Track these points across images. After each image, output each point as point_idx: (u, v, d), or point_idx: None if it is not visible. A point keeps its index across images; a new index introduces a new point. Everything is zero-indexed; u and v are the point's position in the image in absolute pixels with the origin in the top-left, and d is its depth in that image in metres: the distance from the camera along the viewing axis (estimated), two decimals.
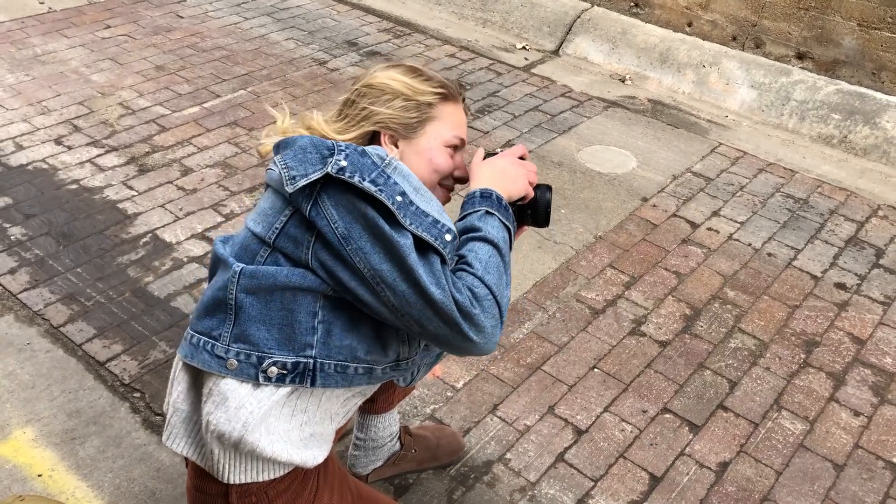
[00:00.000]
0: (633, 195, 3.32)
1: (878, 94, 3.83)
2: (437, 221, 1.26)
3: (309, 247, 1.26)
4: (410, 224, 1.23)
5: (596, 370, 2.44)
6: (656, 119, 3.95)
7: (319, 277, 1.26)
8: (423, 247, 1.24)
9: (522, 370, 2.41)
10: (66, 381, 2.26)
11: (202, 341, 1.32)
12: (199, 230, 2.92)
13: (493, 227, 1.32)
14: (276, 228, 1.29)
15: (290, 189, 1.23)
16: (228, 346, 1.30)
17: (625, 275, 2.85)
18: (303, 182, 1.22)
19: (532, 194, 1.45)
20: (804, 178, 3.54)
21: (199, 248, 2.82)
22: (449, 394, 2.31)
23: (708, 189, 3.40)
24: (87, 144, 3.36)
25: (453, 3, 4.96)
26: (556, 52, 4.58)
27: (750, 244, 3.07)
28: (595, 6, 4.64)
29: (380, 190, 1.22)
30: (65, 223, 2.89)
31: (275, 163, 1.31)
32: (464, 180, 1.49)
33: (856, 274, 2.94)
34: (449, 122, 1.46)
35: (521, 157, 1.49)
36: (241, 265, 1.29)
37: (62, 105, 3.63)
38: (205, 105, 3.74)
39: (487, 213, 1.34)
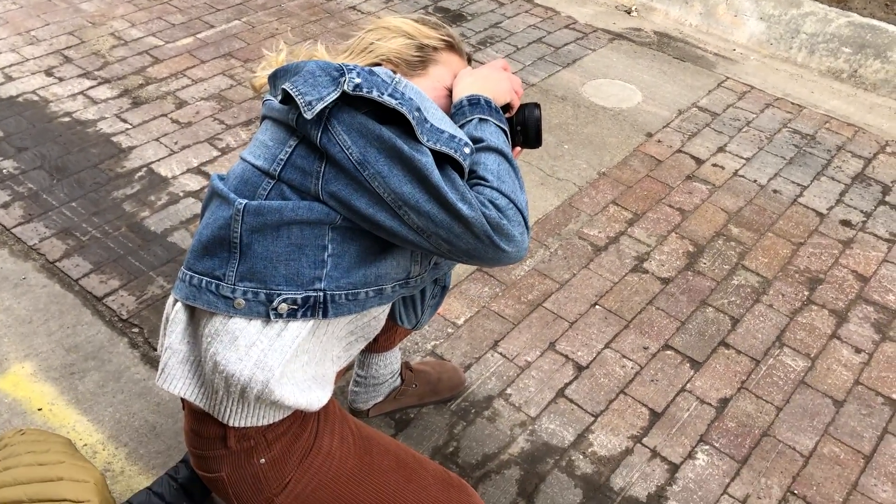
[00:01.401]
0: (637, 130, 3.26)
1: (891, 27, 3.73)
2: (453, 136, 1.23)
3: (318, 177, 1.21)
4: (428, 140, 1.19)
5: (597, 307, 2.42)
6: (662, 52, 3.86)
7: (329, 207, 1.22)
8: (441, 163, 1.21)
9: (523, 307, 2.40)
10: (64, 316, 2.24)
11: (204, 281, 1.28)
12: (195, 164, 2.86)
13: (492, 134, 1.29)
14: (281, 160, 1.24)
15: (308, 115, 1.16)
16: (234, 285, 1.26)
17: (628, 211, 2.81)
18: (320, 106, 1.16)
19: (517, 103, 1.42)
20: (812, 114, 3.47)
21: (194, 183, 2.77)
22: (450, 330, 2.29)
23: (714, 124, 3.34)
24: (79, 76, 3.28)
25: None
26: None
27: (755, 180, 3.02)
28: None
29: (400, 104, 1.17)
30: (58, 157, 2.83)
31: (278, 91, 1.25)
32: None
33: (861, 211, 2.90)
34: (452, 71, 1.42)
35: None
36: (245, 201, 1.25)
37: (51, 35, 3.53)
38: (198, 36, 3.64)
39: (481, 120, 1.31)
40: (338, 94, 1.17)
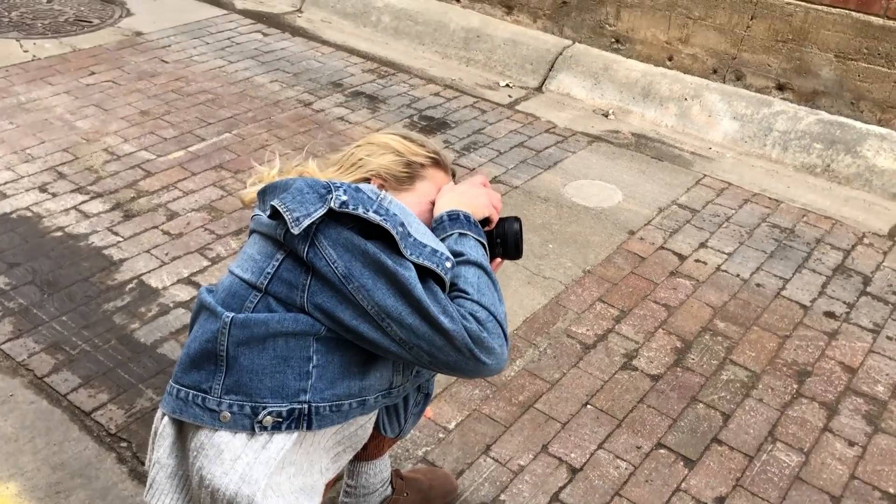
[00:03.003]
0: (620, 228, 3.33)
1: (858, 124, 3.88)
2: (435, 251, 1.27)
3: (304, 290, 1.25)
4: (412, 254, 1.24)
5: (589, 406, 2.41)
6: (640, 152, 3.98)
7: (315, 319, 1.25)
8: (424, 277, 1.25)
9: (515, 409, 2.39)
10: (51, 433, 2.22)
11: (191, 395, 1.29)
12: (186, 275, 2.90)
13: (471, 248, 1.35)
14: (269, 273, 1.28)
15: (296, 231, 1.22)
16: (220, 398, 1.27)
17: (614, 308, 2.84)
18: (307, 222, 1.22)
19: (495, 217, 1.48)
20: (789, 208, 3.56)
21: (185, 293, 2.80)
22: (441, 435, 2.28)
23: (694, 221, 3.42)
24: (72, 191, 3.35)
25: (437, 42, 5.01)
26: (539, 89, 4.62)
27: (738, 275, 3.07)
28: (576, 43, 4.70)
29: (384, 220, 1.23)
30: (49, 271, 2.86)
31: (266, 207, 1.31)
32: None
33: (844, 302, 2.95)
34: (437, 185, 1.49)
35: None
36: (231, 314, 1.28)
37: (46, 152, 3.63)
38: (190, 149, 3.74)
39: (461, 234, 1.36)
40: (324, 211, 1.22)
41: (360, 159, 1.48)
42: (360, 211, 1.23)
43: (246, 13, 5.44)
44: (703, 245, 3.25)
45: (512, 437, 2.29)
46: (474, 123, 4.16)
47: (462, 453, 2.23)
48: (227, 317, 1.27)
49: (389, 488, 1.96)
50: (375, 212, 1.24)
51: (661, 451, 2.27)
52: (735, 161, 3.95)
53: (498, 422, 2.34)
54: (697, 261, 3.14)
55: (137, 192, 3.39)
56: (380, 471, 1.91)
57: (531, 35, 4.82)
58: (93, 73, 4.43)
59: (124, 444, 2.20)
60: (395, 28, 5.15)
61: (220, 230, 3.16)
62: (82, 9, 5.27)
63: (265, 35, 5.10)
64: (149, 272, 2.90)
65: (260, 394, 1.27)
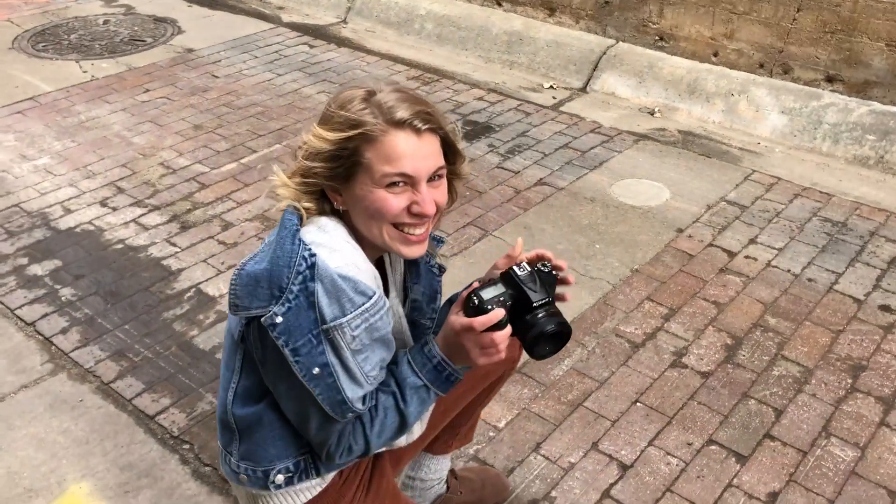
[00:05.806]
0: (667, 227, 3.32)
1: None
2: (343, 402, 1.30)
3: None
4: (319, 394, 1.29)
5: (638, 404, 2.42)
6: (687, 150, 3.96)
7: None
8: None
9: (564, 407, 2.41)
10: (118, 436, 2.32)
11: (223, 453, 1.53)
12: None
13: (417, 404, 1.40)
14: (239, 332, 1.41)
15: (230, 313, 1.33)
16: (238, 462, 1.46)
17: (663, 307, 2.84)
18: (242, 314, 1.30)
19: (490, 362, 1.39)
20: (841, 201, 3.50)
21: None
22: (491, 433, 2.31)
23: (743, 217, 3.39)
24: (131, 205, 3.48)
25: (480, 47, 5.05)
26: (583, 90, 4.63)
27: (789, 270, 3.04)
28: (620, 42, 4.70)
29: (296, 361, 1.26)
30: (112, 282, 2.99)
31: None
32: (425, 214, 1.34)
33: None
34: (378, 161, 1.30)
35: (502, 322, 1.33)
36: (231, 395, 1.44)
37: (106, 168, 3.77)
38: (242, 161, 3.85)
39: (426, 387, 1.40)
40: (255, 315, 1.28)
41: (303, 164, 1.36)
42: (280, 342, 1.25)
43: (292, 26, 5.56)
44: (752, 241, 3.22)
45: (562, 434, 2.31)
46: (519, 126, 4.19)
47: (512, 451, 2.26)
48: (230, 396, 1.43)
49: (444, 486, 2.01)
50: (295, 349, 1.25)
51: (713, 447, 2.27)
52: (784, 156, 3.90)
53: (547, 420, 2.36)
54: (747, 257, 3.12)
55: (193, 203, 3.50)
56: (441, 468, 1.96)
57: (574, 36, 4.83)
58: (147, 91, 4.59)
59: (187, 446, 2.28)
60: (438, 35, 5.22)
61: None
62: (136, 29, 5.46)
63: (311, 47, 5.21)
64: (206, 281, 3.00)
65: (267, 459, 1.42)
